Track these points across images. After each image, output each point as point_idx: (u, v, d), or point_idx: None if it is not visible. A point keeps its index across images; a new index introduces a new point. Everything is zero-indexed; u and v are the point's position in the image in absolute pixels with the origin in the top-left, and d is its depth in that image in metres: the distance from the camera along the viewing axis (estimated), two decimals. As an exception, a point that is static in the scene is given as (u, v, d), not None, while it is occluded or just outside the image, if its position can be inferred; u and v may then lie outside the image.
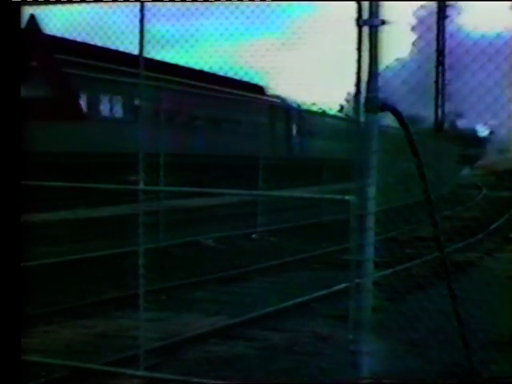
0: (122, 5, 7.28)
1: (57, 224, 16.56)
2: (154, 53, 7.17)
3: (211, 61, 7.63)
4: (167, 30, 7.59)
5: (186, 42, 7.51)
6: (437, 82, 42.64)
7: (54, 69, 6.75)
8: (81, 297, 10.03)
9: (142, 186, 6.77)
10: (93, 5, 7.18)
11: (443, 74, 43.03)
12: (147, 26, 6.58)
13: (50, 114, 6.96)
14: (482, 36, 6.09)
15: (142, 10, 6.57)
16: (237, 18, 6.70)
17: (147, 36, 6.60)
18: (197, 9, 6.98)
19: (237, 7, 6.60)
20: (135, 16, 6.66)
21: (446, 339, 6.62)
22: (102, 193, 16.43)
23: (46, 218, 16.59)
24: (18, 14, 5.17)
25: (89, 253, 13.65)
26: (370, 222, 5.16)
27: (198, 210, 20.53)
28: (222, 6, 6.73)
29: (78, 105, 7.23)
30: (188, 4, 6.90)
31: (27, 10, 6.50)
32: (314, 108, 39.48)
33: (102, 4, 7.29)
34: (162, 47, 7.60)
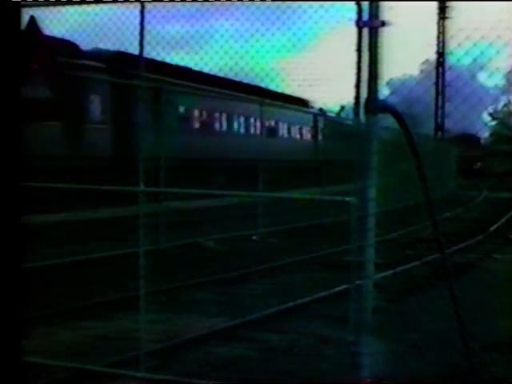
0: (122, 6, 7.29)
1: (58, 225, 16.56)
2: (155, 54, 7.18)
3: (212, 62, 7.63)
4: (168, 32, 7.60)
5: (187, 43, 7.52)
6: (437, 83, 42.67)
7: (54, 70, 6.75)
8: (81, 298, 10.02)
9: (142, 187, 6.78)
10: (93, 6, 7.18)
11: (443, 75, 43.07)
12: (148, 27, 6.59)
13: (50, 115, 6.97)
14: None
15: (142, 11, 6.58)
16: (237, 19, 6.71)
17: (147, 37, 6.61)
18: (197, 10, 6.99)
19: (237, 8, 6.61)
20: (135, 17, 6.67)
21: (447, 340, 6.62)
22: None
23: (47, 220, 16.59)
24: (17, 16, 5.18)
25: (89, 254, 13.67)
26: (371, 223, 5.16)
27: (198, 212, 20.52)
28: (222, 7, 6.74)
29: (78, 106, 7.23)
30: (188, 5, 6.90)
31: (27, 12, 6.51)
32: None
33: (102, 5, 7.29)
34: (163, 48, 7.61)
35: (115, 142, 24.04)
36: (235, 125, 34.73)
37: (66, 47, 18.78)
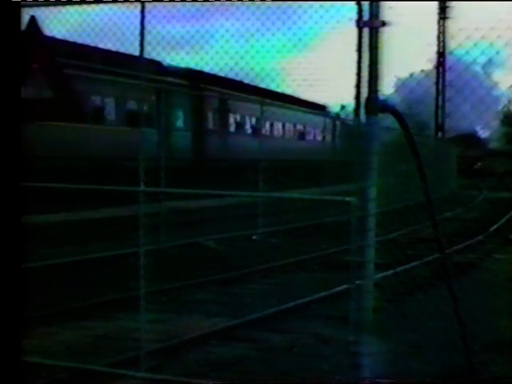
0: (123, 6, 7.29)
1: (58, 225, 16.56)
2: (155, 54, 7.18)
3: (212, 62, 7.62)
4: (168, 32, 7.60)
5: (187, 43, 7.52)
6: (437, 83, 42.67)
7: (54, 70, 6.76)
8: (82, 298, 10.03)
9: (142, 187, 6.78)
10: (93, 6, 7.18)
11: (443, 76, 43.06)
12: (148, 27, 6.59)
13: (50, 116, 6.97)
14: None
15: (142, 11, 6.57)
16: (238, 19, 6.71)
17: (148, 37, 6.61)
18: (198, 10, 6.99)
19: (237, 8, 6.61)
20: (136, 17, 6.67)
21: (447, 340, 6.62)
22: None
23: (47, 220, 16.59)
24: (17, 15, 5.17)
25: (89, 254, 13.68)
26: (371, 223, 5.16)
27: (198, 212, 20.53)
28: (222, 7, 6.74)
29: (79, 106, 7.24)
30: (188, 5, 6.90)
31: (27, 12, 6.50)
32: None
33: (102, 5, 7.29)
34: (163, 48, 7.60)
35: (194, 146, 29.19)
36: (276, 129, 39.33)
37: (152, 65, 21.60)
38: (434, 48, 43.35)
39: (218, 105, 32.43)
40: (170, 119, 26.80)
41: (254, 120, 36.08)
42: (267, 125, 37.88)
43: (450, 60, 40.83)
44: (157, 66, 22.86)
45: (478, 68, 6.17)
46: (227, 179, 19.04)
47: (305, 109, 38.46)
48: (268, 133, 37.86)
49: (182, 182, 15.57)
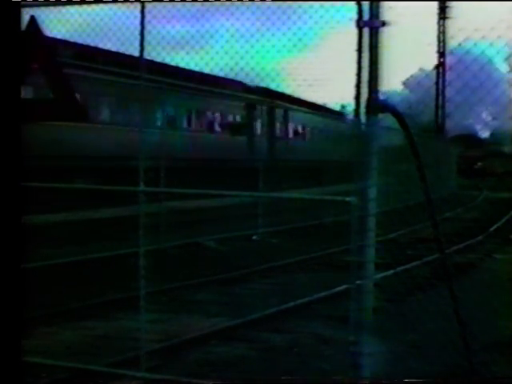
0: (123, 6, 7.29)
1: (58, 225, 16.56)
2: (155, 54, 7.18)
3: (212, 62, 7.62)
4: (168, 32, 7.60)
5: (187, 43, 7.52)
6: (437, 83, 42.70)
7: (54, 70, 6.76)
8: (81, 298, 10.03)
9: (142, 187, 6.77)
10: (93, 6, 7.18)
11: (444, 75, 43.07)
12: (148, 27, 6.58)
13: (51, 116, 6.98)
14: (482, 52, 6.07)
15: (142, 11, 6.57)
16: (238, 19, 6.71)
17: (148, 37, 6.60)
18: (198, 10, 6.99)
19: (237, 8, 6.61)
20: (136, 17, 6.66)
21: (447, 340, 6.62)
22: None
23: (47, 220, 16.58)
24: (17, 15, 5.17)
25: (89, 254, 13.67)
26: (371, 223, 5.16)
27: (198, 212, 20.52)
28: (222, 7, 6.73)
29: (80, 106, 7.23)
30: (188, 5, 6.90)
31: (27, 12, 6.50)
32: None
33: (102, 5, 7.29)
34: (163, 48, 7.60)
35: (268, 150, 33.38)
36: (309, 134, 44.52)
37: (236, 84, 27.87)
38: (434, 48, 43.44)
39: (282, 116, 38.52)
40: (254, 128, 35.19)
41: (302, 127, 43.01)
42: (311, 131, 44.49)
43: (450, 60, 40.87)
44: (242, 86, 29.06)
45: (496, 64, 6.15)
46: (295, 176, 20.36)
47: (333, 116, 41.19)
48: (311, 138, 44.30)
49: (259, 180, 19.14)
